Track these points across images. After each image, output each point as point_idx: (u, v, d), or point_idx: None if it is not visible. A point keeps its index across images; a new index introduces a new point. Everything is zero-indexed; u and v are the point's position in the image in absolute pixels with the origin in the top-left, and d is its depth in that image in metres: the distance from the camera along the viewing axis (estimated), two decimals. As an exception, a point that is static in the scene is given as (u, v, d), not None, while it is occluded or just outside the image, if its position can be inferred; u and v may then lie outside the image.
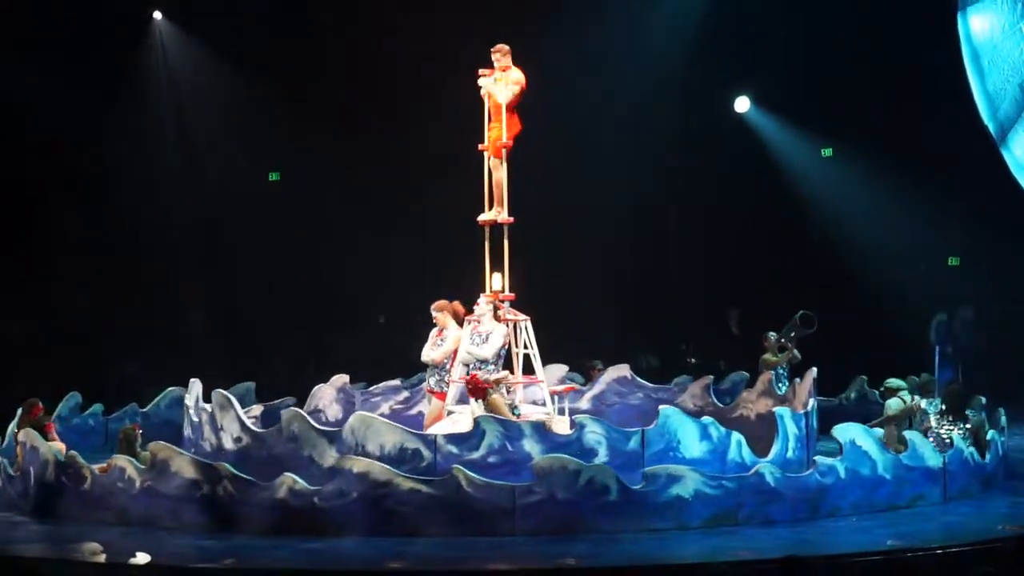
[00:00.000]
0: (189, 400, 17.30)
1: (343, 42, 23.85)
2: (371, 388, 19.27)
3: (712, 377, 19.46)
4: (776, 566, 10.99)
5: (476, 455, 14.73)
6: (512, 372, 16.96)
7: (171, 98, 25.26)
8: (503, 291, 16.99)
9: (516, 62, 17.16)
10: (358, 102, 24.60)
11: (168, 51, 25.07)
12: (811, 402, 17.09)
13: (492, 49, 17.07)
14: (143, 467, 14.71)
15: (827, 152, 25.44)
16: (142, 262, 24.74)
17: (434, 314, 16.91)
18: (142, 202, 24.64)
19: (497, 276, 17.07)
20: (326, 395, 18.93)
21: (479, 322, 16.43)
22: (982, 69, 23.98)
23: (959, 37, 23.96)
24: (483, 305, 16.56)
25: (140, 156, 24.84)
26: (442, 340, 16.99)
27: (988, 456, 16.07)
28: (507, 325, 16.65)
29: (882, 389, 17.88)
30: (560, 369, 19.49)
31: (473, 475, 14.07)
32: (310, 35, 24.19)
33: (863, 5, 23.88)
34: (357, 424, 15.17)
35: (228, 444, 16.13)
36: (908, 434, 15.61)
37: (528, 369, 17.09)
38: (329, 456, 14.82)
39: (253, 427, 16.11)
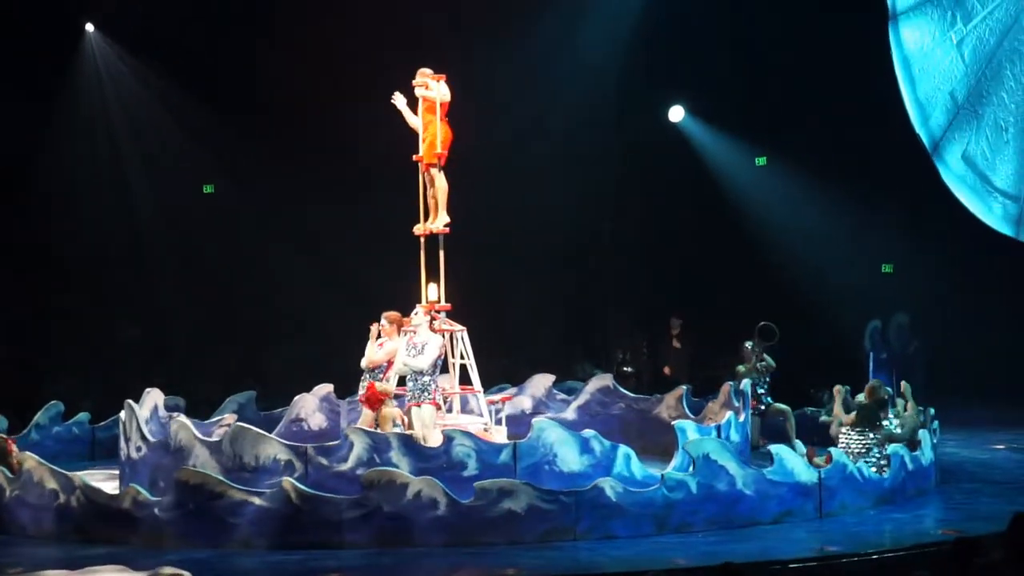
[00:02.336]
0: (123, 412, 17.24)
1: (277, 55, 23.42)
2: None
3: (685, 387, 19.11)
4: (713, 574, 10.97)
5: (345, 467, 14.64)
6: (449, 383, 17.05)
7: (104, 110, 24.84)
8: (439, 301, 16.94)
9: (450, 74, 17.09)
10: (293, 114, 24.16)
11: (100, 62, 24.64)
12: (727, 414, 16.90)
13: (418, 73, 17.04)
14: (11, 477, 14.80)
15: (761, 161, 25.36)
16: (74, 273, 24.55)
17: (383, 323, 16.66)
18: (76, 214, 24.47)
19: (433, 287, 17.02)
20: (308, 404, 18.89)
21: (415, 333, 16.28)
22: (913, 77, 24.14)
23: (891, 46, 24.24)
24: (419, 316, 16.49)
25: (73, 169, 24.41)
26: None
27: (888, 472, 15.62)
28: (443, 336, 16.56)
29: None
30: (547, 379, 19.56)
31: (302, 487, 13.88)
32: (243, 48, 23.81)
33: (795, 14, 23.60)
34: (235, 435, 15.16)
35: (133, 453, 16.37)
36: (774, 448, 15.12)
37: (465, 380, 17.07)
38: (209, 466, 14.91)
39: (149, 436, 16.14)
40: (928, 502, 15.89)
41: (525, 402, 19.36)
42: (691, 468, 14.76)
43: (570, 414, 19.14)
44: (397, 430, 15.66)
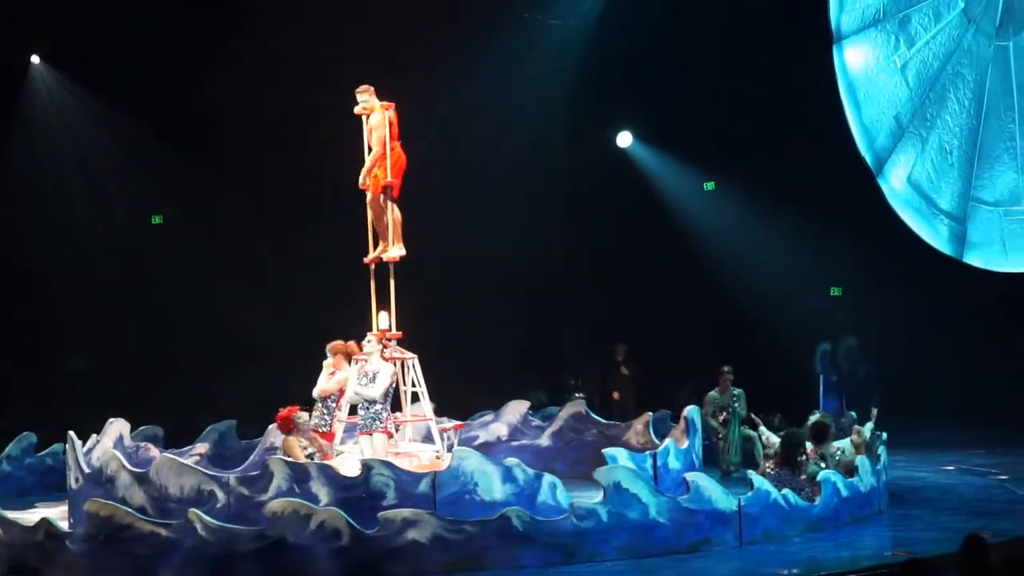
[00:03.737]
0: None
1: (225, 83, 23.11)
2: None
3: (651, 415, 18.85)
4: None
5: (266, 497, 14.50)
6: (401, 410, 16.91)
7: (52, 141, 24.53)
8: (390, 329, 16.80)
9: (400, 101, 17.04)
10: (241, 142, 23.98)
11: (47, 94, 24.37)
12: (667, 442, 16.79)
13: (356, 92, 17.04)
14: None
15: (709, 186, 25.34)
16: (20, 303, 24.36)
17: (329, 355, 16.66)
18: (24, 243, 24.39)
19: (384, 315, 16.91)
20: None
21: (366, 361, 16.19)
22: (858, 101, 24.26)
23: (836, 69, 24.45)
24: (372, 344, 16.36)
25: (21, 198, 24.13)
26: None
27: (819, 498, 15.22)
28: (394, 364, 16.41)
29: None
30: (522, 405, 19.47)
31: (208, 519, 13.68)
32: (191, 77, 23.52)
33: (742, 38, 23.66)
34: (161, 466, 15.28)
35: (73, 484, 16.54)
36: (690, 476, 14.76)
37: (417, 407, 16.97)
38: (137, 496, 15.05)
39: (84, 468, 16.22)
40: (862, 529, 15.46)
41: (501, 429, 19.32)
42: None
43: (545, 440, 19.15)
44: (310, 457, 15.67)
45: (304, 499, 14.20)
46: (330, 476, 14.73)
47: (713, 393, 19.51)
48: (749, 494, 14.78)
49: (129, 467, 15.52)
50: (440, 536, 13.65)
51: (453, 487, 14.69)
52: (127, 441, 17.77)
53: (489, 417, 19.44)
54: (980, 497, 17.48)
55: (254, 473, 15.28)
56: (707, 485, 14.62)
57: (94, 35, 23.14)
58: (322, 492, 14.54)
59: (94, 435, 17.59)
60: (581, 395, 23.92)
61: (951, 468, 19.92)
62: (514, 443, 19.07)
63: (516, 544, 13.80)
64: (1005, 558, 9.85)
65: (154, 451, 17.63)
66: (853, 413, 19.00)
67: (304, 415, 16.16)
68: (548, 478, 14.93)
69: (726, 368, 19.54)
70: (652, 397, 22.85)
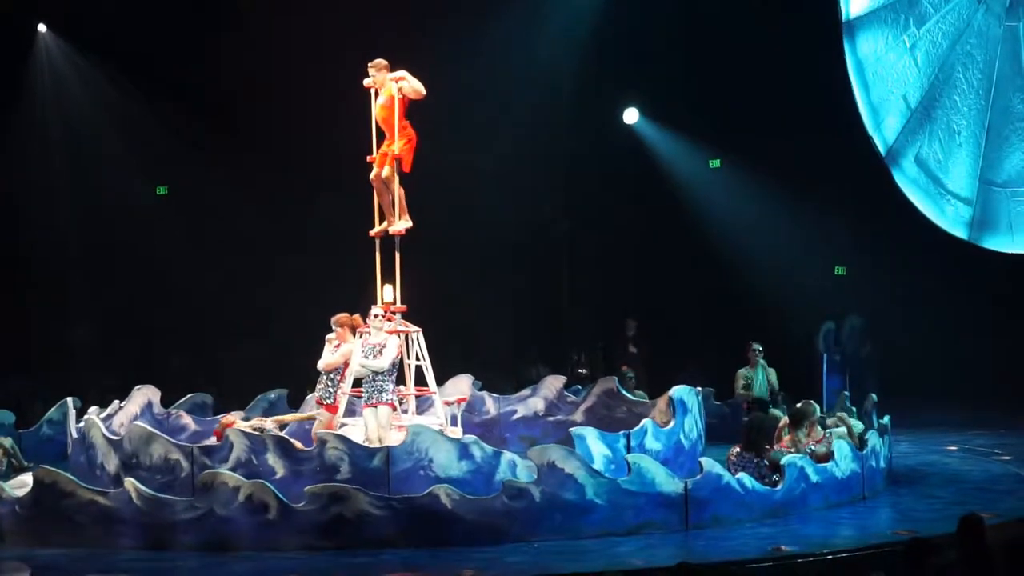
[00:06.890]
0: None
1: (233, 55, 22.89)
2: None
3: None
4: (667, 574, 10.85)
5: (225, 467, 14.43)
6: (404, 384, 16.89)
7: (58, 111, 24.25)
8: (394, 303, 16.65)
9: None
10: (247, 114, 23.75)
11: (54, 63, 24.09)
12: (646, 422, 16.39)
13: (369, 65, 16.92)
14: None
15: (715, 163, 25.06)
16: (27, 276, 24.33)
17: (334, 328, 16.63)
18: (29, 216, 24.40)
19: (388, 288, 16.70)
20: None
21: (371, 334, 15.98)
22: (867, 81, 24.15)
23: (844, 49, 24.44)
24: (379, 318, 16.08)
25: (26, 170, 23.90)
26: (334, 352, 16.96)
27: (782, 483, 14.70)
28: (399, 337, 16.27)
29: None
30: (558, 380, 19.44)
31: (143, 488, 13.70)
32: (200, 49, 23.22)
33: (750, 17, 23.28)
34: (133, 434, 15.43)
35: (68, 450, 16.97)
36: (632, 457, 14.29)
37: (420, 381, 16.70)
38: (112, 463, 15.21)
39: (73, 434, 16.43)
40: (828, 515, 14.86)
41: (538, 404, 19.16)
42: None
43: (578, 416, 18.78)
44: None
45: (261, 471, 14.33)
46: (286, 449, 14.73)
47: (742, 370, 19.39)
48: (697, 477, 14.30)
49: (106, 434, 15.59)
50: (366, 512, 13.49)
51: (407, 463, 14.43)
52: (156, 408, 17.89)
53: (527, 392, 19.33)
54: (982, 479, 17.14)
55: (214, 443, 15.35)
56: (650, 467, 14.14)
57: (100, 5, 23.12)
58: (278, 465, 14.60)
59: (116, 401, 17.57)
60: (584, 371, 24.02)
61: (953, 448, 19.75)
62: (550, 418, 19.01)
63: (444, 522, 13.54)
64: (1007, 538, 9.86)
65: (186, 419, 17.76)
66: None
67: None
68: (507, 456, 14.55)
69: (755, 345, 19.34)
70: (653, 375, 22.86)
